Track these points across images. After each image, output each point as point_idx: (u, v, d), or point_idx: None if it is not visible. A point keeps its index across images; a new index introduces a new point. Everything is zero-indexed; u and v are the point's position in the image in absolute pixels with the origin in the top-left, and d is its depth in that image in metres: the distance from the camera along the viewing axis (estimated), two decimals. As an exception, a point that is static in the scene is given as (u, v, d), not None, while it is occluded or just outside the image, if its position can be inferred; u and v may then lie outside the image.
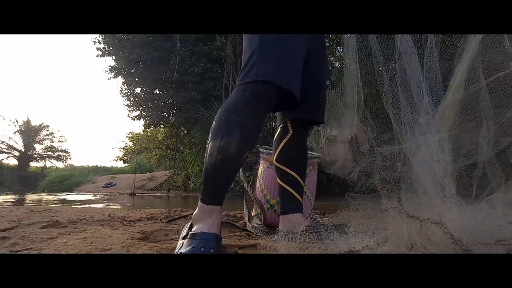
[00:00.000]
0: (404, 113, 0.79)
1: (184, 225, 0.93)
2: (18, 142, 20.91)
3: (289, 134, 1.13)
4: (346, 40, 1.03)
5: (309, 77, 1.04)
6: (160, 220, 1.45)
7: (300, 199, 1.11)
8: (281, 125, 1.17)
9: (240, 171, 1.40)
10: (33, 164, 21.67)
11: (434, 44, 0.86)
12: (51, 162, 22.15)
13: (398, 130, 0.81)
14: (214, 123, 0.90)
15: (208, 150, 0.87)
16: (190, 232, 0.82)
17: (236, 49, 8.35)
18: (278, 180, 1.15)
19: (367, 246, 0.66)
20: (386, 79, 0.87)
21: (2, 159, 20.12)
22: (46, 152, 22.15)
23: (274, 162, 1.16)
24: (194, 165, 8.15)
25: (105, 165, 19.71)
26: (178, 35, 7.84)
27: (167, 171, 10.27)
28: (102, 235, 1.01)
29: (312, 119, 1.13)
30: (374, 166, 0.81)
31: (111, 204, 4.71)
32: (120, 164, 20.21)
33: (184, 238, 0.82)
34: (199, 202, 0.88)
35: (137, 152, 15.07)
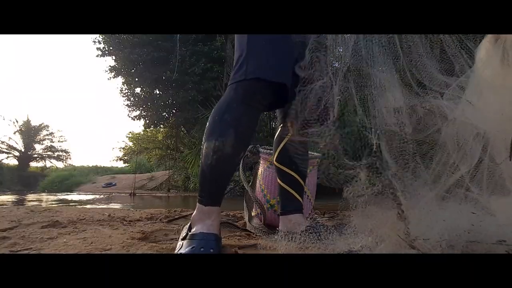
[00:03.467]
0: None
1: (183, 226, 0.93)
2: (18, 142, 20.92)
3: (290, 134, 1.13)
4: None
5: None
6: (160, 220, 1.45)
7: (300, 199, 1.11)
8: (281, 125, 1.16)
9: (240, 171, 1.40)
10: (33, 164, 21.66)
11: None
12: (51, 162, 22.16)
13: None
14: (208, 123, 0.90)
15: (203, 151, 0.87)
16: (190, 233, 0.82)
17: (236, 49, 8.34)
18: (278, 180, 1.14)
19: (366, 246, 0.66)
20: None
21: (2, 159, 20.13)
22: (46, 152, 22.15)
23: (275, 162, 1.16)
24: (194, 165, 8.16)
25: (105, 165, 19.73)
26: (178, 35, 7.84)
27: (167, 171, 10.28)
28: (102, 235, 1.01)
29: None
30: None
31: (111, 204, 4.71)
32: (120, 164, 20.21)
33: (183, 239, 0.82)
34: (197, 204, 0.88)
35: (137, 152, 15.07)
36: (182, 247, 0.78)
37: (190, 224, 0.88)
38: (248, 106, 0.89)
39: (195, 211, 0.89)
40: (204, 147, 0.87)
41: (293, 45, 0.96)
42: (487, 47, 0.84)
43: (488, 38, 0.84)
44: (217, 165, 0.85)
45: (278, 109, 1.16)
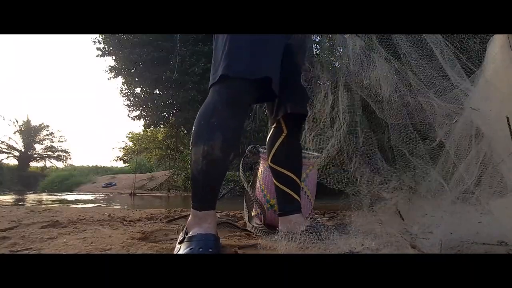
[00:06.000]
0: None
1: (182, 225, 0.93)
2: (18, 142, 20.91)
3: (284, 134, 1.11)
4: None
5: (295, 69, 1.01)
6: (160, 220, 1.45)
7: (298, 199, 1.10)
8: (274, 125, 1.14)
9: (240, 171, 1.40)
10: (33, 164, 21.65)
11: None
12: (51, 162, 22.16)
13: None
14: (194, 127, 0.88)
15: (192, 156, 0.85)
16: (187, 236, 0.81)
17: (236, 49, 8.34)
18: (275, 181, 1.13)
19: (366, 246, 0.66)
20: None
21: (2, 159, 20.14)
22: (46, 152, 22.14)
23: (269, 163, 1.14)
24: (194, 165, 8.13)
25: (105, 165, 19.72)
26: (178, 35, 7.84)
27: (167, 171, 10.27)
28: (102, 235, 1.01)
29: (304, 113, 1.06)
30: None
31: (111, 204, 4.71)
32: (120, 164, 20.17)
33: (180, 243, 0.81)
34: (192, 210, 0.87)
35: (137, 152, 15.07)
36: (180, 249, 0.77)
37: (186, 229, 0.86)
38: (233, 107, 0.86)
39: (190, 217, 0.87)
40: (193, 152, 0.85)
41: (277, 38, 0.92)
42: (496, 50, 0.83)
43: (496, 41, 0.84)
44: (208, 169, 0.83)
45: (269, 110, 1.14)
